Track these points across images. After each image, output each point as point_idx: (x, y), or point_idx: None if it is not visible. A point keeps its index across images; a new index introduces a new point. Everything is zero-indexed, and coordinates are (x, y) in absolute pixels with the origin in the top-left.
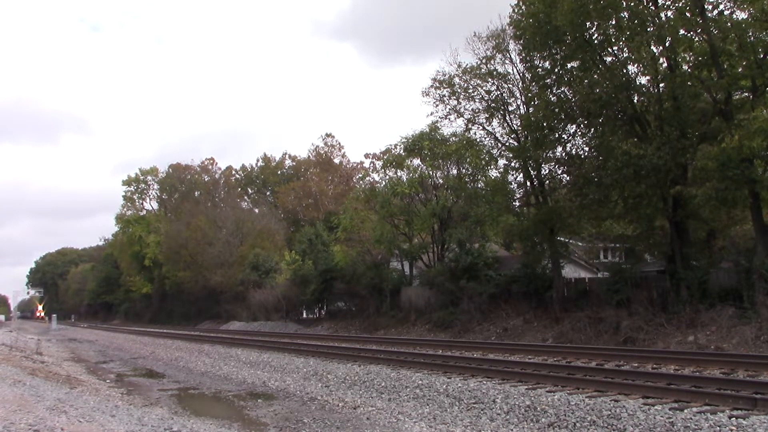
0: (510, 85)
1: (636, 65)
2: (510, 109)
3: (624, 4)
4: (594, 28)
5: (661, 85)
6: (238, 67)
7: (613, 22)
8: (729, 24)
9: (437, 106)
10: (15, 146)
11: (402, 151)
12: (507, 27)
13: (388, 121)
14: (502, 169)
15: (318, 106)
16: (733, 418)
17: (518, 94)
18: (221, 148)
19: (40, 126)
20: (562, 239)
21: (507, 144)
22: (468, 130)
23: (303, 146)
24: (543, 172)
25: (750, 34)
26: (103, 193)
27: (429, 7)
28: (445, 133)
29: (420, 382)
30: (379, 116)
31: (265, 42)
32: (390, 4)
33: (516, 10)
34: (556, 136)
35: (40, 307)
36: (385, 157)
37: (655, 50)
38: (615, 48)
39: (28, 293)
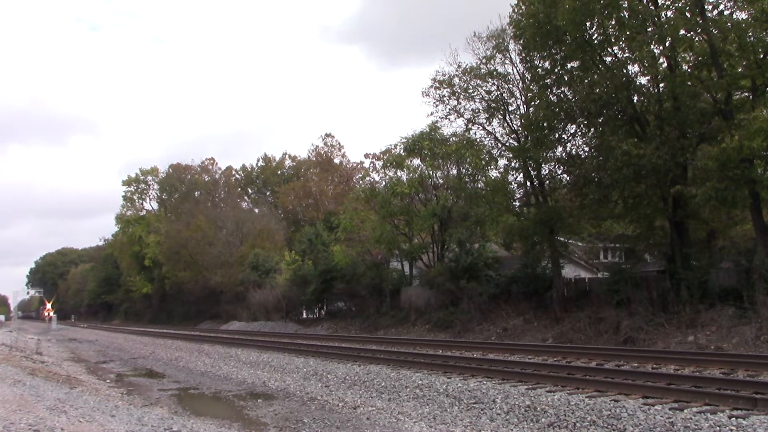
0: (510, 85)
1: (636, 65)
2: (510, 109)
3: (625, 3)
4: (594, 28)
5: (661, 85)
6: (244, 70)
7: (613, 22)
8: (729, 24)
9: (437, 106)
10: (25, 148)
11: (402, 151)
12: (507, 27)
13: (389, 122)
14: (502, 169)
15: (319, 107)
16: (733, 418)
17: (518, 94)
18: (226, 150)
19: (51, 128)
20: (562, 239)
21: (507, 144)
22: (468, 130)
23: (303, 146)
24: (543, 172)
25: (750, 34)
26: (108, 194)
27: (435, 9)
28: (445, 133)
29: (420, 382)
30: (379, 117)
31: (272, 46)
32: (397, 7)
33: (516, 10)
34: (556, 136)
35: (48, 306)
36: (385, 157)
37: (655, 50)
38: (615, 48)
39: (28, 293)
